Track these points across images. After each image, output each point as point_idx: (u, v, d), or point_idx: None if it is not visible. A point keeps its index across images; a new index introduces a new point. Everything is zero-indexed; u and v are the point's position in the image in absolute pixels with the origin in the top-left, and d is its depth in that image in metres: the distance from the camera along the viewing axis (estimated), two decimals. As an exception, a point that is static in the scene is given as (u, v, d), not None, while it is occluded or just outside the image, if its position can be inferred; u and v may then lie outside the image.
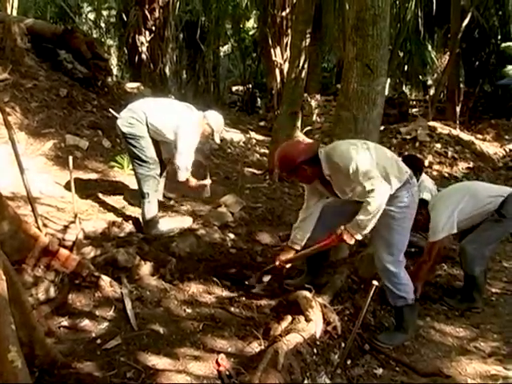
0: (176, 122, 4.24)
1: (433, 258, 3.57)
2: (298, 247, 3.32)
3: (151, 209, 4.33)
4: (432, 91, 15.52)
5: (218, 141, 4.68)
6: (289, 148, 3.12)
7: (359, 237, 2.88)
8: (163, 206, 4.86)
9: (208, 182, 4.70)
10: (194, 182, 4.53)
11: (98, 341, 2.73)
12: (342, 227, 2.90)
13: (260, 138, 10.24)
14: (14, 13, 7.63)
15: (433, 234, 3.49)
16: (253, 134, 10.23)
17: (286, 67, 10.55)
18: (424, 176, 4.65)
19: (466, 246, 3.62)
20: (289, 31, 11.07)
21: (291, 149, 3.08)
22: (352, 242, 2.92)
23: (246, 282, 3.64)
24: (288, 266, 3.41)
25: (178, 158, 4.25)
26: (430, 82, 16.75)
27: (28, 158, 5.12)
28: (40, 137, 6.04)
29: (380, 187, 2.77)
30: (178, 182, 4.45)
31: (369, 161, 2.86)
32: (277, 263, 3.39)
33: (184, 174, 4.34)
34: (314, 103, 11.86)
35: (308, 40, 7.21)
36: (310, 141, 3.37)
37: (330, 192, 3.13)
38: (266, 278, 3.63)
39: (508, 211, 3.54)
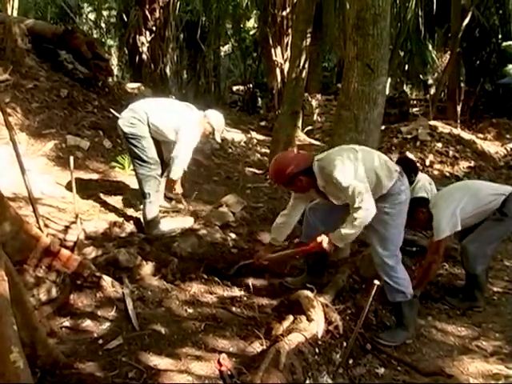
0: (177, 122, 4.25)
1: (441, 256, 3.64)
2: (278, 244, 3.52)
3: (152, 209, 4.34)
4: (433, 90, 15.50)
5: (218, 140, 4.68)
6: (283, 160, 3.13)
7: (341, 245, 3.07)
8: (164, 207, 4.87)
9: (186, 206, 4.86)
10: (179, 188, 4.56)
11: (100, 341, 2.73)
12: (324, 236, 3.03)
13: (261, 137, 10.24)
14: (15, 13, 7.62)
15: (437, 233, 3.49)
16: (254, 134, 10.23)
17: (286, 67, 10.54)
18: (421, 175, 4.67)
19: (468, 244, 3.62)
20: (289, 31, 11.07)
21: (285, 161, 3.09)
22: (331, 250, 3.09)
23: (224, 271, 3.80)
24: (266, 263, 3.59)
25: (175, 157, 4.26)
26: (430, 82, 16.74)
27: (29, 159, 5.12)
28: (41, 137, 6.05)
29: (366, 204, 2.85)
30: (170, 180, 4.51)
31: (355, 174, 2.91)
32: (255, 260, 3.57)
33: (178, 173, 4.36)
34: (314, 103, 11.86)
35: (308, 39, 7.21)
36: (304, 152, 3.45)
37: (325, 199, 3.19)
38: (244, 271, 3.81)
39: (510, 210, 3.54)
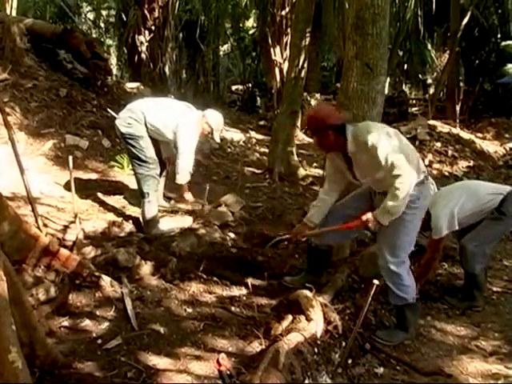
0: (175, 122, 4.24)
1: (441, 254, 3.71)
2: (312, 225, 3.39)
3: (151, 208, 4.33)
4: (432, 90, 15.52)
5: (217, 140, 4.67)
6: (321, 109, 3.21)
7: (386, 223, 2.88)
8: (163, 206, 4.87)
9: (203, 204, 4.78)
10: (188, 194, 4.54)
11: (99, 341, 2.73)
12: (369, 214, 2.91)
13: (260, 137, 10.23)
14: (14, 13, 7.63)
15: (435, 231, 3.50)
16: (253, 134, 10.22)
17: (285, 66, 10.53)
18: None
19: (467, 244, 3.62)
20: (288, 30, 11.05)
21: (323, 111, 3.11)
22: (376, 228, 2.94)
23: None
24: (303, 239, 3.55)
25: (179, 161, 4.24)
26: (429, 81, 16.77)
27: (28, 158, 5.12)
28: (40, 137, 6.05)
29: (407, 172, 2.75)
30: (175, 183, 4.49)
31: (396, 146, 2.83)
32: (292, 236, 3.52)
33: (184, 176, 4.34)
34: (313, 102, 11.84)
35: (308, 39, 7.20)
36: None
37: (349, 171, 3.10)
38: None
39: (508, 209, 3.55)
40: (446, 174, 8.33)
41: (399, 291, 3.06)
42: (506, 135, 10.27)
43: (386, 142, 2.81)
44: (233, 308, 3.32)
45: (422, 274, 3.63)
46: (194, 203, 4.82)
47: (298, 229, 3.53)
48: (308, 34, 7.16)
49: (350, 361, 2.88)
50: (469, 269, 3.65)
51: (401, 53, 13.95)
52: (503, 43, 12.76)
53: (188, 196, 4.56)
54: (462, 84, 12.58)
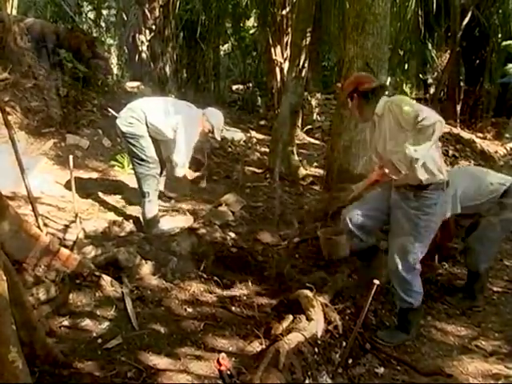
0: (175, 121, 4.25)
1: (453, 234, 3.95)
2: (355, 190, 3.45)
3: (152, 208, 4.34)
4: (432, 90, 15.47)
5: (218, 138, 4.68)
6: (361, 75, 3.28)
7: (403, 170, 2.75)
8: (164, 206, 4.87)
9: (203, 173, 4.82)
10: (190, 174, 4.59)
11: (99, 340, 2.73)
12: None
13: (260, 136, 10.23)
14: (14, 12, 7.62)
15: None
16: (253, 133, 10.22)
17: (286, 66, 10.52)
18: None
19: (471, 242, 3.61)
20: (289, 30, 11.05)
21: (361, 77, 3.19)
22: (394, 176, 2.81)
23: None
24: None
25: (175, 155, 4.28)
26: (430, 81, 16.69)
27: (28, 158, 5.11)
28: (40, 136, 6.04)
29: (436, 120, 2.58)
30: (175, 177, 4.54)
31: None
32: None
33: (181, 170, 4.37)
34: (314, 102, 11.84)
35: (308, 39, 7.20)
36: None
37: (372, 145, 3.11)
38: None
39: (510, 201, 3.52)
40: (447, 173, 8.31)
41: (406, 296, 3.05)
42: (507, 135, 10.27)
43: (419, 105, 2.78)
44: (233, 308, 3.33)
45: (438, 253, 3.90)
46: (197, 177, 4.90)
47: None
48: (308, 34, 7.16)
49: (350, 361, 2.88)
50: (473, 267, 3.65)
51: (401, 52, 13.92)
52: (504, 43, 12.72)
53: (190, 175, 4.65)
54: (462, 84, 12.57)
